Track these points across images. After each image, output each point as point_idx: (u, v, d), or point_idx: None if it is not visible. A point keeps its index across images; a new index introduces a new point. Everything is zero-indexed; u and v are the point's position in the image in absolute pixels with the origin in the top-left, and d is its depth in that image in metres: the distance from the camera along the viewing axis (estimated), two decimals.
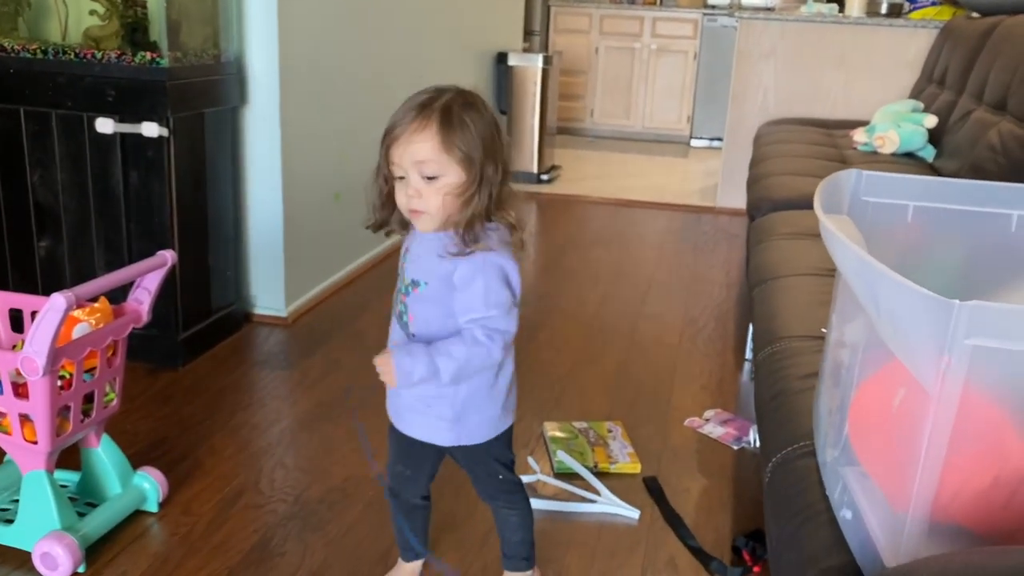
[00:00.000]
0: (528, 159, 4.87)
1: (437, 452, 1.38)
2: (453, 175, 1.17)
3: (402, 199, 1.21)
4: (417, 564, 1.54)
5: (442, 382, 1.22)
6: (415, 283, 1.26)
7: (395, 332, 1.33)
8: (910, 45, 3.99)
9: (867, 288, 0.85)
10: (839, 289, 1.08)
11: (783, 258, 2.01)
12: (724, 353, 2.65)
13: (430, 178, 1.17)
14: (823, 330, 1.17)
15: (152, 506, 1.71)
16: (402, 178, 1.20)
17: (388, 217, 1.26)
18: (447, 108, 1.17)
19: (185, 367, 2.37)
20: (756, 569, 1.59)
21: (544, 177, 4.93)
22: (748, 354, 2.53)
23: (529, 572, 1.49)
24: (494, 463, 1.39)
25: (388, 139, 1.19)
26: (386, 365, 1.22)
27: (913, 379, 0.80)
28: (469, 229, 1.19)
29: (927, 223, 1.24)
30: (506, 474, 1.40)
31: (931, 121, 3.00)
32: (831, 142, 3.39)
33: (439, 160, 1.16)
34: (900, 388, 0.85)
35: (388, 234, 1.30)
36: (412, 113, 1.18)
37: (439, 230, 1.22)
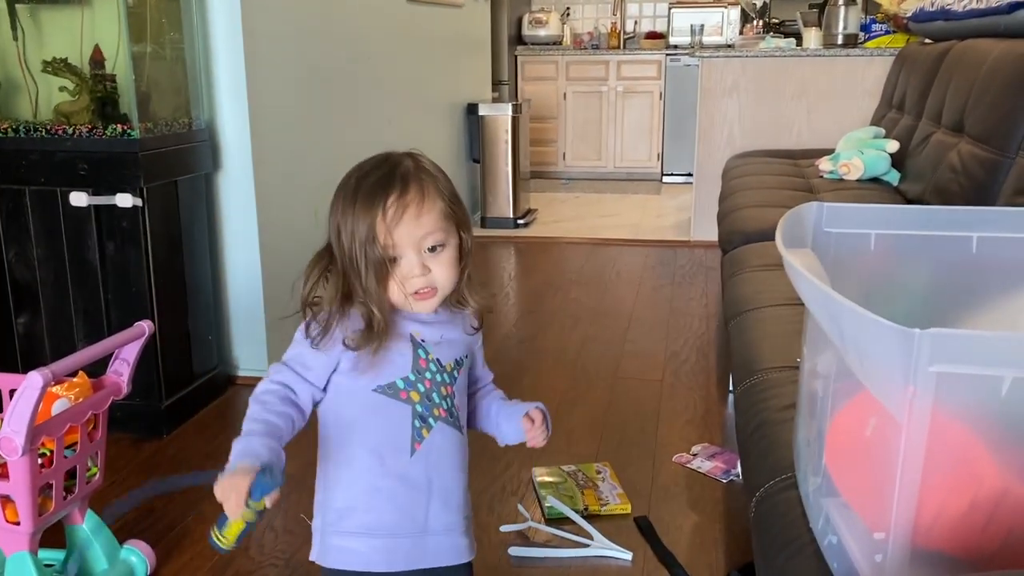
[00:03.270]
0: (504, 205, 4.92)
1: None
2: (454, 240, 1.07)
3: (405, 284, 1.05)
4: None
5: None
6: (459, 362, 1.14)
7: (393, 459, 1.14)
8: (867, 73, 4.09)
9: (830, 320, 0.87)
10: (808, 320, 1.10)
11: (756, 290, 2.04)
12: (708, 386, 2.66)
13: (433, 248, 1.05)
14: (798, 360, 1.19)
15: None
16: (393, 260, 1.04)
17: (381, 322, 1.05)
18: (426, 170, 1.06)
19: (170, 435, 2.35)
20: None
21: (520, 221, 4.98)
22: (731, 385, 2.54)
23: None
24: None
25: (376, 223, 1.02)
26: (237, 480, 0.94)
27: (883, 408, 0.82)
28: (461, 290, 1.11)
29: (891, 250, 1.27)
30: None
31: (892, 146, 3.07)
32: (798, 172, 3.45)
33: (445, 228, 1.05)
34: (872, 417, 0.87)
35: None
36: (397, 184, 1.03)
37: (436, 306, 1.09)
